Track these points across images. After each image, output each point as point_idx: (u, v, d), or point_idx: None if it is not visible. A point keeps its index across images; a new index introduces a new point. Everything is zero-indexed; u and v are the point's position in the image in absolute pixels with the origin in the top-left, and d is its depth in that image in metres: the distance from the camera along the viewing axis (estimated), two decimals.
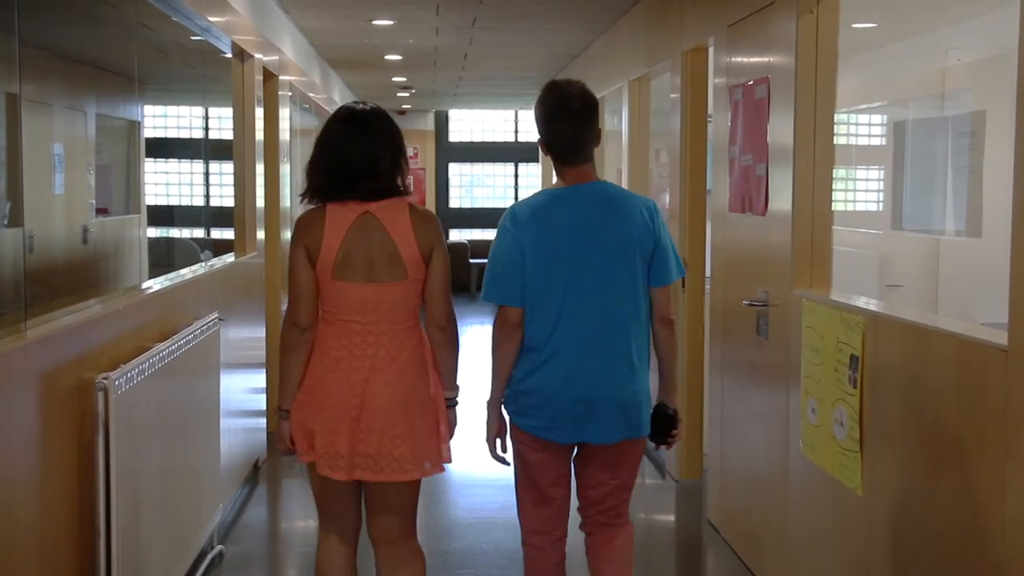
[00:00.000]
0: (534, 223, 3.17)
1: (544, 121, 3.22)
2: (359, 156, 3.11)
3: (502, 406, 3.28)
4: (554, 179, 3.33)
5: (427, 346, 3.21)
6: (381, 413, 3.06)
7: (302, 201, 3.24)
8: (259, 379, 6.53)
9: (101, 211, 6.26)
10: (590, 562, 3.40)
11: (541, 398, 3.17)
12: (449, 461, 3.22)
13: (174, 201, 7.64)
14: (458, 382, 3.28)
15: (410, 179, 3.26)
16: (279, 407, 3.19)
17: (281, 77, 7.26)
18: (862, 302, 3.53)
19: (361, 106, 3.22)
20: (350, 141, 3.12)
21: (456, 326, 3.23)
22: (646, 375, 3.24)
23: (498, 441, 3.28)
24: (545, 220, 3.17)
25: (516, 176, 17.15)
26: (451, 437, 3.26)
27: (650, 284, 3.21)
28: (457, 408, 3.29)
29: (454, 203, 17.24)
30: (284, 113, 7.38)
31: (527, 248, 3.15)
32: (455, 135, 17.21)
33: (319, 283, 3.11)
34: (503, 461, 3.31)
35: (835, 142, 4.03)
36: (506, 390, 3.25)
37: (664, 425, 3.30)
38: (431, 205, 16.72)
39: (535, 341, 3.17)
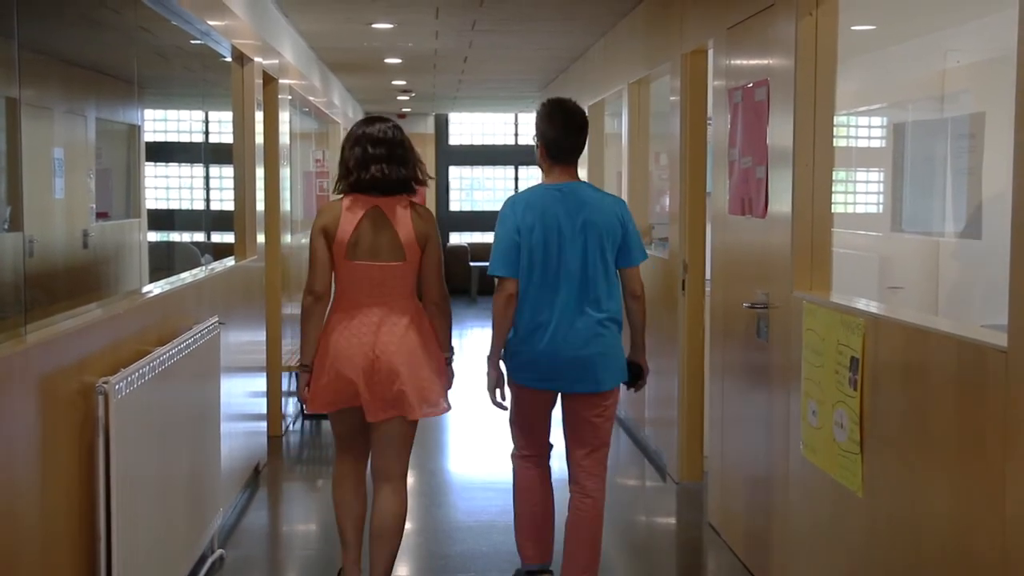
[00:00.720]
0: (529, 211, 3.90)
1: (553, 129, 3.97)
2: (374, 167, 3.82)
3: (500, 362, 4.02)
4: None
5: (424, 315, 3.92)
6: (387, 365, 3.78)
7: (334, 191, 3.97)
8: (259, 383, 6.53)
9: (101, 215, 6.25)
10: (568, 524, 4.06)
11: (533, 357, 3.93)
12: (448, 408, 3.96)
13: (174, 205, 7.63)
14: (453, 344, 4.04)
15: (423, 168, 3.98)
16: (301, 363, 3.94)
17: (281, 81, 7.26)
18: (862, 304, 3.53)
19: (378, 125, 3.88)
20: (366, 153, 3.83)
21: (448, 302, 3.97)
22: (617, 338, 3.97)
23: (497, 391, 4.02)
24: (538, 209, 3.90)
25: (516, 179, 17.09)
26: (450, 388, 4.01)
27: (621, 265, 3.96)
28: (453, 365, 4.02)
29: (454, 206, 17.19)
30: (284, 117, 7.38)
31: (522, 231, 3.88)
32: (455, 138, 17.19)
33: (336, 264, 3.84)
34: (501, 407, 4.07)
35: (835, 144, 4.03)
36: (503, 351, 3.98)
37: (632, 375, 4.11)
38: (431, 208, 16.67)
39: (526, 311, 3.91)
